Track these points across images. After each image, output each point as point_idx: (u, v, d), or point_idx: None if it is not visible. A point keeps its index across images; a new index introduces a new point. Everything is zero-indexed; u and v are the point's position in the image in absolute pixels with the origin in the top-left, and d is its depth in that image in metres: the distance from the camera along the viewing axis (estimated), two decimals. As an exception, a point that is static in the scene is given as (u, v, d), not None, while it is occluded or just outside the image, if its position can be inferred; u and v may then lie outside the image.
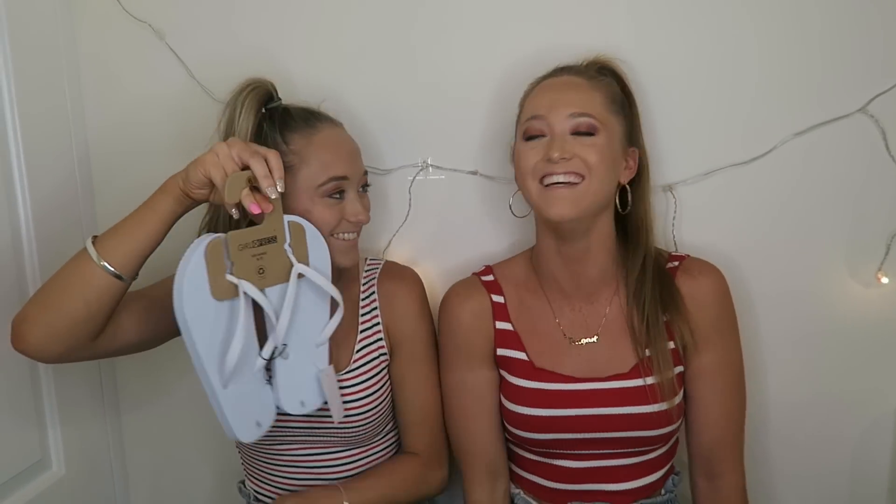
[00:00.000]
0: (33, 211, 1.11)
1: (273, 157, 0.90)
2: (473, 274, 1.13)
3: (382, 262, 1.16)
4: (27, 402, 1.12)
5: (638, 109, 1.07)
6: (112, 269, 0.90)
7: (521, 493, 1.10)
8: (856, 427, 1.20)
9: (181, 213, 0.93)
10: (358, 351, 1.09)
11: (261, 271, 0.91)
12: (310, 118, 1.03)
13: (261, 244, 0.90)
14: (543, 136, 0.97)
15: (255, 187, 0.89)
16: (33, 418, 1.13)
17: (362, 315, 1.11)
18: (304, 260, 0.95)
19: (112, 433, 1.32)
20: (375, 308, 1.11)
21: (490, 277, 1.10)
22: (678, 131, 1.15)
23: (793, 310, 1.18)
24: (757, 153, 1.14)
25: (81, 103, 1.25)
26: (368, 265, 1.15)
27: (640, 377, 1.00)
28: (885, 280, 1.13)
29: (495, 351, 1.07)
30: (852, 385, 1.19)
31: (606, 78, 1.04)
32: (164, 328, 1.01)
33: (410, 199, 1.23)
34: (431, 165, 1.22)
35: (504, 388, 1.06)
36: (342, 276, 1.12)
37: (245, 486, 1.18)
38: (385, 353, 1.10)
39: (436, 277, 1.23)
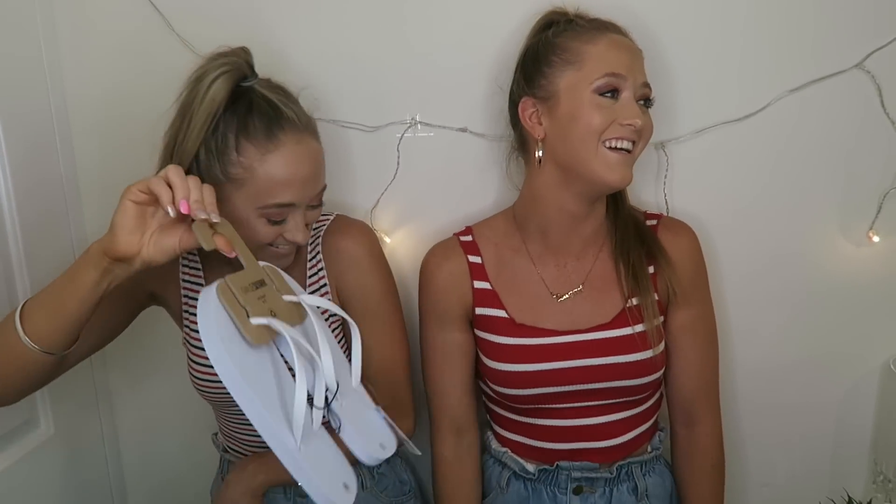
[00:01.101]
0: (10, 163, 1.08)
1: (205, 190, 0.81)
2: (454, 234, 1.13)
3: (332, 217, 1.09)
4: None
5: None
6: (38, 349, 0.83)
7: (509, 451, 1.11)
8: (840, 387, 1.21)
9: (106, 286, 0.83)
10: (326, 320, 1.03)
11: (272, 313, 0.78)
12: (273, 126, 0.90)
13: (256, 287, 0.79)
14: (618, 94, 0.96)
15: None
16: (19, 378, 1.13)
17: (309, 277, 1.06)
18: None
19: (100, 392, 1.31)
20: (321, 268, 1.05)
21: (468, 238, 1.11)
22: (669, 88, 1.13)
23: (783, 269, 1.18)
24: (750, 110, 1.12)
25: (58, 59, 1.21)
26: (318, 222, 1.07)
27: (624, 326, 1.01)
28: (876, 239, 1.13)
29: (474, 310, 1.07)
30: (839, 345, 1.20)
31: None
32: (118, 322, 1.03)
33: (399, 157, 1.21)
34: (420, 122, 1.20)
35: (485, 347, 1.06)
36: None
37: (217, 438, 1.19)
38: (334, 315, 1.03)
39: (425, 236, 1.22)
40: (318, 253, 1.06)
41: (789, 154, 1.14)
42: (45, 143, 1.18)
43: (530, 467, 1.08)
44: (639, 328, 1.01)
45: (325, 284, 1.06)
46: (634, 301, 1.02)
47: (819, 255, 1.16)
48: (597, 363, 1.01)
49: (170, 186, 0.79)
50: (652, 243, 1.04)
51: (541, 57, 1.00)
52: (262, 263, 0.83)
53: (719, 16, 1.11)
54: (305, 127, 0.94)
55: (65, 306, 0.83)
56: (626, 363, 1.01)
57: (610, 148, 0.95)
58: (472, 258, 1.08)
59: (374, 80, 1.17)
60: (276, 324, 0.75)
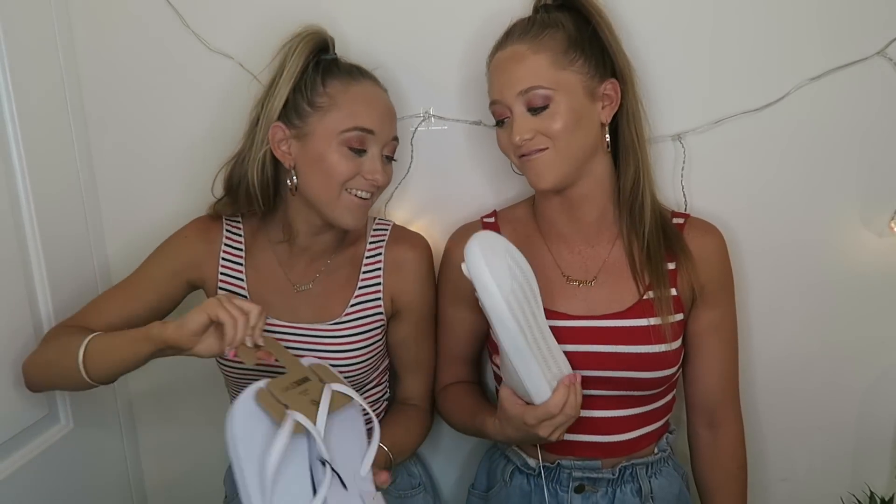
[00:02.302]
0: (28, 165, 1.10)
1: (253, 313, 0.90)
2: (480, 218, 1.15)
3: (391, 226, 1.15)
4: (32, 358, 1.12)
5: (609, 31, 1.00)
6: (88, 380, 0.97)
7: (513, 445, 1.10)
8: (862, 380, 1.19)
9: (159, 354, 0.94)
10: (353, 305, 1.09)
11: (314, 402, 0.85)
12: (354, 71, 1.04)
13: (299, 384, 0.87)
14: (508, 116, 0.99)
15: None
16: (39, 373, 1.14)
17: (364, 272, 1.11)
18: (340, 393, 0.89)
19: (119, 386, 1.33)
20: (379, 270, 1.11)
21: (491, 220, 1.13)
22: (687, 78, 1.12)
23: (804, 260, 1.16)
24: (770, 99, 1.11)
25: (74, 54, 1.22)
26: (377, 226, 1.15)
27: (639, 317, 1.00)
28: (898, 229, 1.11)
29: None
30: (862, 336, 1.18)
31: (552, 28, 0.98)
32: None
33: (413, 151, 1.20)
34: (434, 116, 1.19)
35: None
36: (347, 232, 1.11)
37: None
38: (381, 314, 1.11)
39: (439, 229, 1.22)
40: (380, 256, 1.12)
41: (809, 144, 1.12)
42: (61, 139, 1.19)
43: (532, 462, 1.07)
44: (652, 321, 1.00)
45: (378, 284, 1.11)
46: (650, 294, 1.01)
47: (840, 246, 1.15)
48: (609, 350, 1.00)
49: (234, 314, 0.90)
50: (675, 240, 1.03)
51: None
52: (309, 361, 0.91)
53: (738, 3, 1.09)
54: (380, 84, 1.07)
55: (117, 364, 0.96)
56: (639, 354, 0.99)
57: (523, 157, 1.00)
58: None
59: (388, 73, 1.17)
60: (296, 415, 0.81)
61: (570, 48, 0.97)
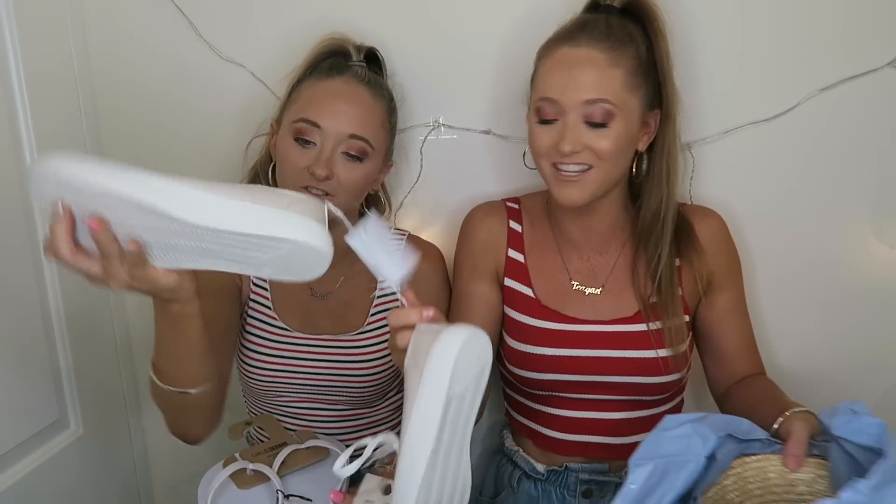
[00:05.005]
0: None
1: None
2: (502, 199, 1.12)
3: (406, 235, 1.16)
4: (44, 363, 1.13)
5: (668, 59, 0.96)
6: (179, 391, 0.84)
7: (521, 451, 1.10)
8: (876, 390, 1.18)
9: (179, 313, 0.78)
10: (373, 314, 1.10)
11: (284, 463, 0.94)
12: (335, 69, 1.03)
13: (272, 449, 0.96)
14: (556, 119, 0.93)
15: None
16: (50, 378, 1.15)
17: (379, 294, 1.11)
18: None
19: (128, 392, 1.33)
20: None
21: (515, 206, 1.10)
22: (696, 88, 1.11)
23: (815, 272, 1.15)
24: (780, 110, 1.10)
25: (88, 63, 1.23)
26: (392, 235, 1.14)
27: (642, 322, 1.00)
28: (910, 241, 1.10)
29: (503, 280, 1.07)
30: (873, 348, 1.17)
31: (628, 44, 0.93)
32: (232, 318, 1.06)
33: (422, 160, 1.21)
34: (443, 125, 1.20)
35: (508, 324, 1.05)
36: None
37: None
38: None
39: (447, 238, 1.22)
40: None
41: (820, 154, 1.12)
42: (75, 147, 1.21)
43: (540, 467, 1.07)
44: (655, 325, 0.99)
45: (397, 302, 1.09)
46: (654, 299, 1.00)
47: (852, 257, 1.14)
48: (613, 355, 0.99)
49: None
50: (685, 234, 1.01)
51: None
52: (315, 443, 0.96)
53: (748, 13, 1.09)
54: (366, 82, 1.03)
55: (170, 348, 0.83)
56: (642, 359, 0.99)
57: (558, 169, 0.95)
58: (514, 224, 1.08)
59: (397, 82, 1.18)
60: (260, 467, 0.91)
61: (638, 70, 0.93)
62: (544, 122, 0.94)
